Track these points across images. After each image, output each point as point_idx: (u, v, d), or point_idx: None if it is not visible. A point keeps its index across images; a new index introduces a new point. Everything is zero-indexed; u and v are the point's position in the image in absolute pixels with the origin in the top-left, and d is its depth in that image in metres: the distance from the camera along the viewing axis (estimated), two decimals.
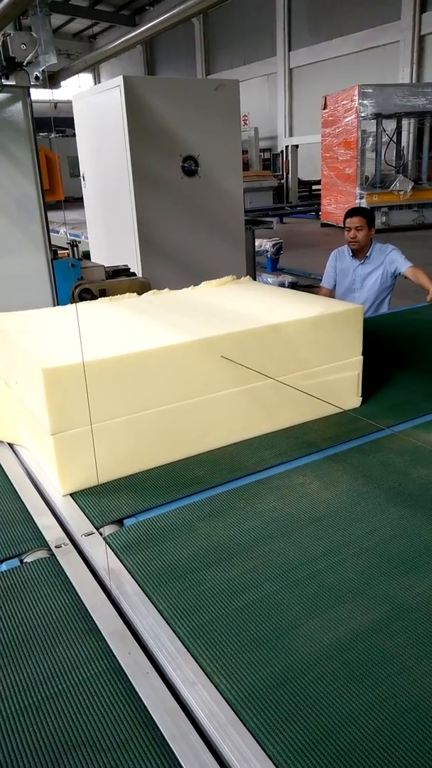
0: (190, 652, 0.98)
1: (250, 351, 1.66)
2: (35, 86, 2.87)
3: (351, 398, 1.91)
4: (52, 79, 2.83)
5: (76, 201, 5.97)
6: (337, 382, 1.84)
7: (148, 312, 1.92)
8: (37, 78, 2.78)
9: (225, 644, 1.00)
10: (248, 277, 2.36)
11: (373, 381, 2.04)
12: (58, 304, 3.37)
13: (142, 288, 3.62)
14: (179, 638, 1.01)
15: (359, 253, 4.14)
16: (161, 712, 0.88)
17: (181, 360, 1.57)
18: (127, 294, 2.13)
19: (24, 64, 2.65)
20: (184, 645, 1.00)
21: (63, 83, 3.15)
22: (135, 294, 2.14)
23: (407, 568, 1.16)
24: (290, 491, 1.46)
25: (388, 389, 2.06)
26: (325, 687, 0.90)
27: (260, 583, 1.14)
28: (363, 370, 1.91)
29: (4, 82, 2.84)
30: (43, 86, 2.85)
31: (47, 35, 2.63)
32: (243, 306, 1.97)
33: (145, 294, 2.15)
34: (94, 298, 3.41)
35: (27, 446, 1.73)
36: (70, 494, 1.48)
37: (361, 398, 1.93)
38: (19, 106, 2.99)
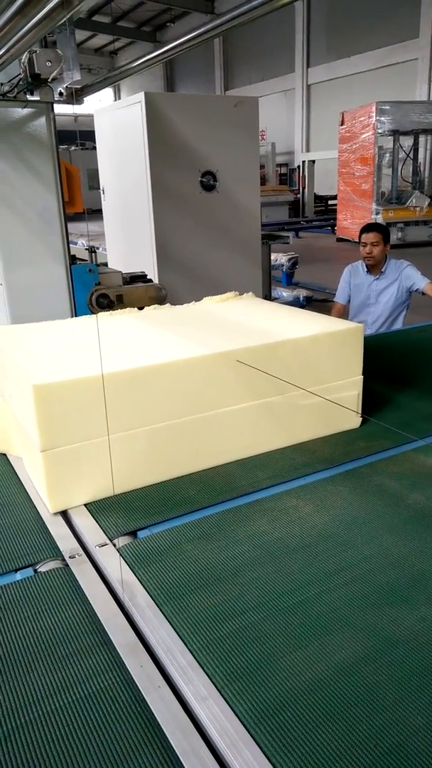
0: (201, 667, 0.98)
1: (241, 370, 1.62)
2: (59, 102, 2.94)
3: (350, 419, 1.86)
4: (75, 95, 2.88)
5: (94, 213, 6.06)
6: (336, 401, 1.79)
7: (147, 327, 1.91)
8: (61, 94, 2.84)
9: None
10: (251, 293, 2.33)
11: (374, 401, 2.00)
12: (75, 310, 3.41)
13: (158, 293, 3.66)
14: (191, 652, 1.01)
15: (374, 268, 4.15)
16: (172, 727, 0.88)
17: (176, 377, 1.55)
18: (127, 309, 2.12)
19: (49, 80, 2.71)
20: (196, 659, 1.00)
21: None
22: (135, 309, 2.12)
23: (397, 600, 1.12)
24: (282, 514, 1.42)
25: (390, 410, 2.02)
26: (302, 726, 0.86)
27: (244, 611, 1.10)
28: (364, 389, 1.87)
29: (29, 97, 2.90)
30: (67, 102, 2.91)
31: (72, 52, 2.68)
32: (243, 323, 1.94)
33: (146, 308, 2.13)
34: (111, 303, 3.44)
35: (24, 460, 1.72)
36: (84, 504, 1.49)
37: (361, 419, 1.89)
38: (42, 120, 3.06)
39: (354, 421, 1.88)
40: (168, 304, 2.21)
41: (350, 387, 1.83)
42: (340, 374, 1.81)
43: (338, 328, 1.81)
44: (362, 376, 1.86)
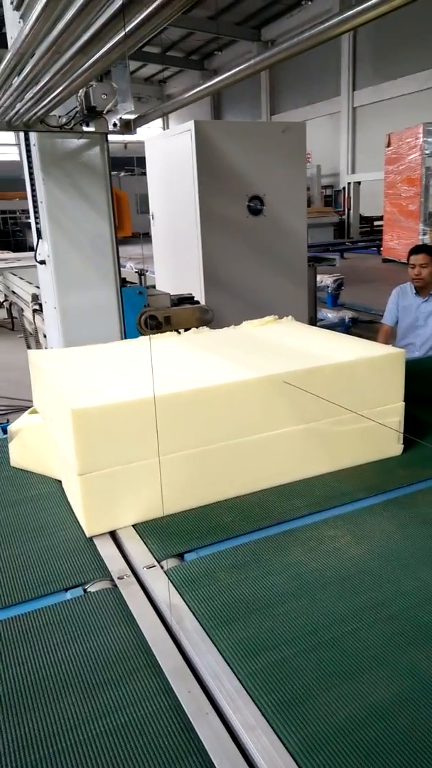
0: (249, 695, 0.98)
1: (284, 394, 1.61)
2: (113, 132, 3.05)
3: (391, 446, 1.82)
4: (128, 126, 2.98)
5: (141, 237, 6.22)
6: (377, 428, 1.75)
7: (189, 350, 1.92)
8: (115, 125, 2.95)
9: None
10: (290, 317, 2.32)
11: (417, 428, 1.94)
12: (125, 332, 3.49)
13: (204, 315, 3.70)
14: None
15: (423, 290, 4.09)
16: (221, 755, 0.87)
17: (218, 400, 1.55)
18: (167, 333, 2.13)
19: (104, 112, 2.82)
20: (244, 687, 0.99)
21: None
22: (175, 333, 2.13)
23: None
24: (319, 544, 1.38)
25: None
26: None
27: (276, 645, 1.07)
28: (407, 415, 1.82)
29: (84, 128, 3.02)
30: (121, 132, 3.01)
31: (126, 85, 2.78)
32: (282, 347, 1.93)
33: (185, 332, 2.14)
34: (159, 324, 3.50)
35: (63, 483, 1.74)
36: (132, 525, 1.51)
37: (402, 446, 1.84)
38: (97, 150, 3.18)
39: (395, 448, 1.83)
40: (206, 328, 2.22)
41: (391, 413, 1.79)
42: (381, 400, 1.77)
43: (379, 353, 1.79)
44: (403, 403, 1.82)
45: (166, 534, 1.47)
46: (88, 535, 1.47)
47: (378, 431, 1.75)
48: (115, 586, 1.29)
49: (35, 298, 4.62)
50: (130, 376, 1.66)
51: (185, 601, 1.21)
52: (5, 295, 7.45)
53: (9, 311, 8.01)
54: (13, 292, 6.59)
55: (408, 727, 0.90)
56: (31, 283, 5.55)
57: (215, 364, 1.75)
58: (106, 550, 1.42)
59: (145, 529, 1.49)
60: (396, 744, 0.87)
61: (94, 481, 1.44)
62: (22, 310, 6.06)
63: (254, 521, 1.50)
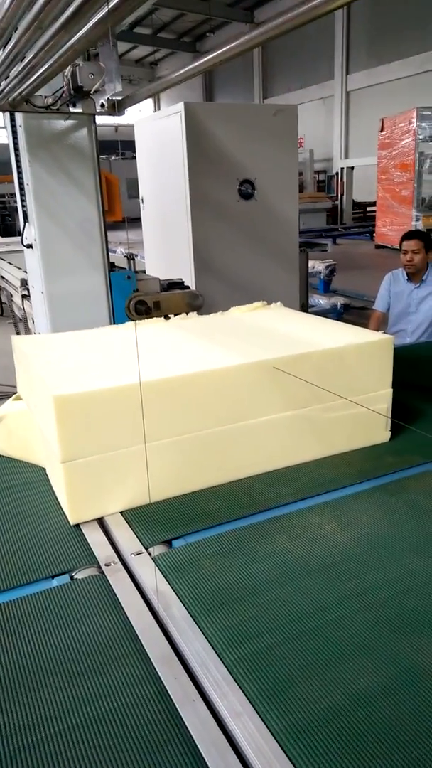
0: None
1: (271, 380, 1.59)
2: (101, 113, 2.99)
3: (379, 432, 1.81)
4: (117, 107, 2.92)
5: (132, 221, 6.14)
6: (365, 415, 1.74)
7: (175, 336, 1.89)
8: (102, 105, 2.89)
9: None
10: (279, 303, 2.29)
11: (406, 414, 1.93)
12: (114, 317, 3.45)
13: (194, 300, 3.67)
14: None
15: (415, 276, 4.07)
16: (207, 743, 0.87)
17: (205, 387, 1.52)
18: (154, 319, 2.11)
19: (91, 92, 2.76)
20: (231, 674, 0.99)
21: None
22: (162, 319, 2.11)
23: (422, 626, 1.06)
24: (304, 531, 1.37)
25: (421, 424, 1.94)
26: (316, 758, 0.83)
27: (259, 633, 1.06)
28: (394, 402, 1.81)
29: (71, 109, 2.96)
30: (109, 113, 2.95)
31: (114, 64, 2.72)
32: (269, 333, 1.90)
33: (173, 318, 2.11)
34: (148, 310, 3.46)
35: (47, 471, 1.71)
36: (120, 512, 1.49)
37: (390, 433, 1.83)
38: (84, 132, 3.11)
39: (383, 435, 1.82)
40: (194, 313, 2.19)
41: (379, 400, 1.77)
42: (369, 387, 1.75)
43: (367, 340, 1.77)
44: (392, 389, 1.80)
45: (154, 521, 1.45)
46: (72, 523, 1.45)
47: (366, 418, 1.74)
48: (102, 573, 1.28)
49: (24, 283, 4.56)
50: (115, 362, 1.64)
51: (173, 588, 1.21)
52: None
53: None
54: (2, 277, 6.52)
55: (391, 715, 0.89)
56: (20, 268, 5.48)
57: (202, 351, 1.73)
58: (94, 537, 1.41)
59: (132, 516, 1.47)
60: (378, 731, 0.87)
61: (77, 468, 1.42)
62: (11, 295, 6.00)
63: (240, 508, 1.49)
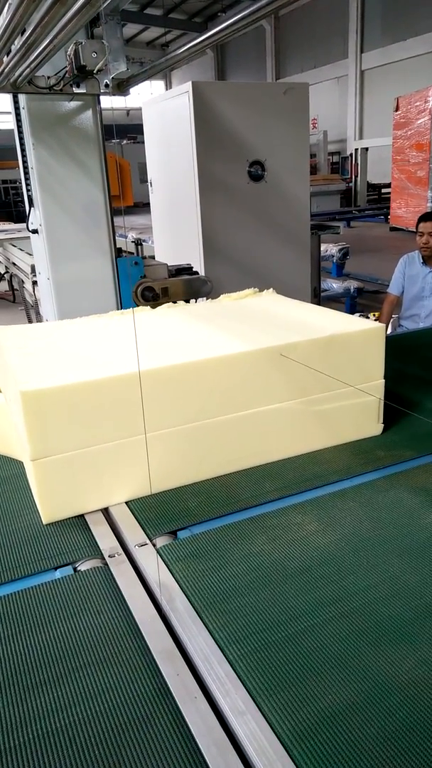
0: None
1: (258, 371, 1.52)
2: (105, 93, 2.92)
3: (371, 425, 1.73)
4: (121, 87, 2.85)
5: (144, 206, 6.07)
6: (356, 407, 1.66)
7: (158, 326, 1.83)
8: (107, 85, 2.82)
9: None
10: (271, 290, 2.22)
11: (402, 405, 1.83)
12: (121, 303, 3.41)
13: (203, 286, 3.61)
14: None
15: (431, 259, 3.98)
16: (208, 742, 0.84)
17: (190, 377, 1.46)
18: (140, 308, 2.04)
19: (95, 72, 2.69)
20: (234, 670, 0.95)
21: (135, 91, 3.17)
22: (148, 308, 2.04)
23: (397, 637, 1.00)
24: (284, 532, 1.30)
25: (415, 417, 1.84)
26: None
27: (224, 646, 1.00)
28: (388, 393, 1.73)
29: (75, 90, 2.90)
30: (114, 93, 2.88)
31: (118, 43, 2.66)
32: (257, 321, 1.82)
33: (160, 307, 2.04)
34: (156, 296, 3.41)
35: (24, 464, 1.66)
36: (126, 503, 1.46)
37: (382, 425, 1.75)
38: (89, 113, 3.05)
39: (375, 428, 1.75)
40: (182, 302, 2.13)
41: (371, 391, 1.68)
42: (360, 377, 1.66)
43: (358, 329, 1.67)
44: (383, 380, 1.72)
45: (158, 512, 1.42)
46: (44, 522, 1.40)
47: (357, 410, 1.67)
48: (106, 564, 1.25)
49: (34, 269, 4.53)
50: (96, 355, 1.56)
51: (176, 580, 1.18)
52: (6, 267, 7.36)
53: (10, 283, 7.92)
54: (14, 264, 6.50)
55: (358, 737, 0.82)
56: (30, 255, 5.46)
57: (185, 341, 1.66)
58: (98, 528, 1.38)
59: (137, 507, 1.45)
60: (342, 754, 0.80)
61: (48, 466, 1.36)
62: (23, 281, 5.98)
63: (219, 507, 1.42)
